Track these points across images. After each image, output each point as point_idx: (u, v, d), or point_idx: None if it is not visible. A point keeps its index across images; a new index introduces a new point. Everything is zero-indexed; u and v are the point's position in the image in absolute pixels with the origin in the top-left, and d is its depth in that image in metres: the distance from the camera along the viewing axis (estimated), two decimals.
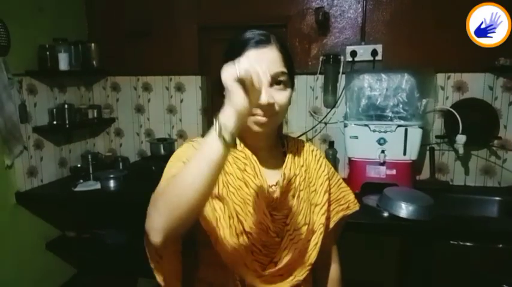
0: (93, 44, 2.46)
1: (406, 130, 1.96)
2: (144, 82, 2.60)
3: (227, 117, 0.69)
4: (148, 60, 2.56)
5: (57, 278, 2.42)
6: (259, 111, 0.87)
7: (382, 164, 2.00)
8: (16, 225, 2.14)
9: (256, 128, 0.90)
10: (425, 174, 2.21)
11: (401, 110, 2.00)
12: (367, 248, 1.93)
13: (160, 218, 0.71)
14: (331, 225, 1.06)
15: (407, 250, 1.87)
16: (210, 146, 0.69)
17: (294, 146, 1.04)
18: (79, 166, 2.49)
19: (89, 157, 2.49)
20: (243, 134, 0.96)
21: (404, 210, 1.67)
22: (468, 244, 1.62)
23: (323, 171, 1.04)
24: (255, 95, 0.70)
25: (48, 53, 2.21)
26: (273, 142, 1.00)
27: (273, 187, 0.96)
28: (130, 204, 2.08)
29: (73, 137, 2.55)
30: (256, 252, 0.92)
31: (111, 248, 2.29)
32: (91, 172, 2.44)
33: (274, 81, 0.89)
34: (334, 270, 1.12)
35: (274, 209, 0.94)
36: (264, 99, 0.82)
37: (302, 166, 1.00)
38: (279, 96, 0.89)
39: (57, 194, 2.21)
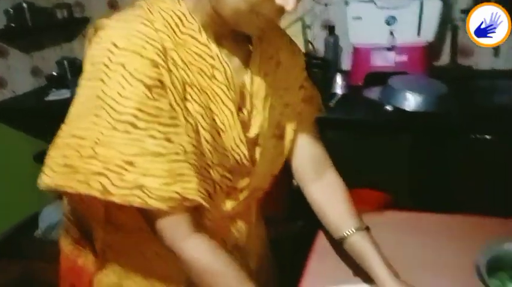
0: None
1: (421, 4, 1.59)
2: None
3: None
4: None
5: None
6: (272, 16, 0.60)
7: (391, 49, 1.66)
8: None
9: (256, 32, 0.66)
10: (444, 59, 1.86)
11: None
12: (373, 151, 1.71)
13: None
14: (304, 130, 0.79)
15: (419, 148, 1.65)
16: None
17: None
18: (55, 74, 2.27)
19: (65, 63, 2.27)
20: (208, 17, 0.63)
21: (409, 101, 1.40)
22: (487, 137, 1.36)
23: (298, 58, 0.78)
24: None
25: None
26: None
27: None
28: None
29: (44, 43, 2.29)
30: (225, 183, 0.70)
31: None
32: (70, 79, 2.25)
33: None
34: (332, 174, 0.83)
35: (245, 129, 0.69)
36: (292, 6, 0.58)
37: (271, 57, 0.73)
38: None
39: (29, 105, 2.04)
